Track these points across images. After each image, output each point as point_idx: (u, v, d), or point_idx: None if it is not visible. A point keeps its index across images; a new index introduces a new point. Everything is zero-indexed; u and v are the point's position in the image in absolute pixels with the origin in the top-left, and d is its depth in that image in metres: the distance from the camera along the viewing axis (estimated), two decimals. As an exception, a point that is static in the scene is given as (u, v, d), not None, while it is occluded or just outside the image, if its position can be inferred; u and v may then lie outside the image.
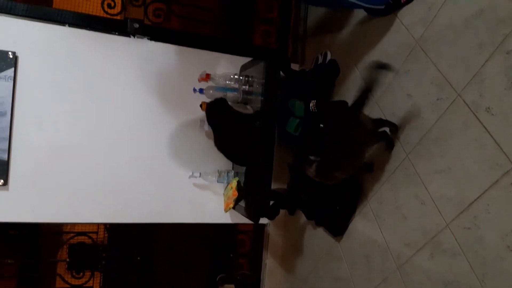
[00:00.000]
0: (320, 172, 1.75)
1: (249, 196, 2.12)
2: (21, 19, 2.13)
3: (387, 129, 1.73)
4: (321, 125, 2.05)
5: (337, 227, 2.08)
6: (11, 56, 2.04)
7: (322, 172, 1.75)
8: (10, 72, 2.04)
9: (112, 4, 2.32)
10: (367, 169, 1.86)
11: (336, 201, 2.02)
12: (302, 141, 2.23)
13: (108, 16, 2.32)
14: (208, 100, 2.29)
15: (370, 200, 1.88)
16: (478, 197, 1.32)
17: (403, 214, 1.66)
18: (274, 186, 2.10)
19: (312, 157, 1.81)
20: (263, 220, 2.57)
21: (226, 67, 2.46)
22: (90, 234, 2.56)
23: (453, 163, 1.44)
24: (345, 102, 2.09)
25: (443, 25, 1.57)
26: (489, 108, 1.32)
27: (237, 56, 2.49)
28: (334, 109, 2.10)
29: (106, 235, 2.74)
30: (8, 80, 2.04)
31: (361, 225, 1.94)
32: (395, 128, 1.72)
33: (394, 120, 1.73)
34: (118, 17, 2.34)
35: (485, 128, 1.32)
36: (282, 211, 2.25)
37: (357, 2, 1.83)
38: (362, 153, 1.72)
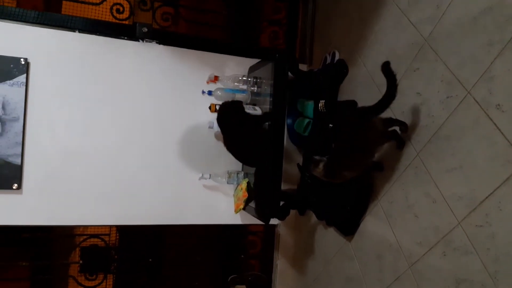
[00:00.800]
0: (328, 172, 1.76)
1: (259, 197, 2.13)
2: (32, 26, 2.16)
3: (397, 128, 1.73)
4: (330, 125, 2.05)
5: (348, 227, 2.08)
6: (23, 62, 2.07)
7: (330, 171, 1.76)
8: (22, 78, 2.08)
9: (121, 9, 2.35)
10: (377, 168, 1.86)
11: (346, 201, 2.02)
12: (311, 141, 2.24)
13: (117, 21, 2.35)
14: (216, 102, 2.31)
15: (381, 199, 1.87)
16: (489, 195, 1.32)
17: (415, 213, 1.65)
18: (284, 186, 2.11)
19: (316, 157, 1.81)
20: (274, 221, 2.58)
21: (234, 69, 2.48)
22: (102, 236, 2.58)
23: (464, 161, 1.44)
24: (354, 102, 2.09)
25: (452, 23, 1.56)
26: (499, 105, 1.31)
27: (245, 58, 2.50)
28: (343, 109, 2.11)
29: (118, 237, 2.77)
30: (20, 86, 2.07)
31: (372, 224, 1.94)
32: (405, 127, 1.71)
33: (403, 118, 1.73)
34: (127, 22, 2.36)
35: (496, 126, 1.31)
36: (292, 211, 2.25)
37: None
38: (371, 152, 1.72)
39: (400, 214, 1.74)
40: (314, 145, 2.21)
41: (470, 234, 1.38)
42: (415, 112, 1.70)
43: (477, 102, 1.40)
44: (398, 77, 1.82)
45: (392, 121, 1.72)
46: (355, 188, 1.95)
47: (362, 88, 2.11)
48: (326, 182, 1.81)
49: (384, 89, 1.90)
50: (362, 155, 1.72)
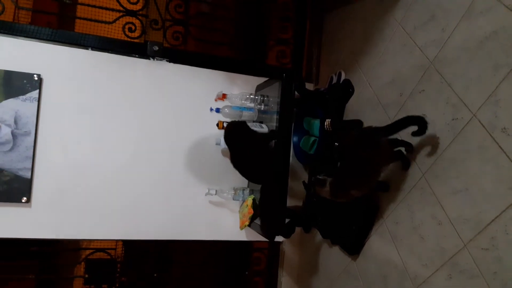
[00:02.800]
0: (333, 190, 1.77)
1: (265, 214, 2.13)
2: (46, 43, 2.22)
3: (402, 149, 1.74)
4: (336, 144, 2.07)
5: (353, 246, 2.07)
6: (36, 78, 2.13)
7: (336, 190, 1.77)
8: (35, 93, 2.12)
9: (133, 28, 2.40)
10: (383, 188, 1.87)
11: (352, 220, 2.02)
12: (317, 159, 2.25)
13: (129, 39, 2.41)
14: (224, 119, 2.35)
15: (386, 220, 1.87)
16: (495, 218, 1.32)
17: (420, 234, 1.65)
18: (289, 203, 2.12)
19: (320, 176, 1.83)
20: (279, 238, 2.58)
21: (242, 87, 2.51)
22: (109, 251, 2.59)
23: (469, 183, 1.44)
24: (360, 122, 2.11)
25: (457, 47, 1.59)
26: (505, 128, 1.32)
27: (253, 76, 2.54)
28: (349, 128, 2.13)
29: (124, 251, 2.77)
30: (32, 101, 2.12)
31: (377, 244, 1.94)
32: (411, 148, 1.73)
33: (409, 139, 1.74)
34: (139, 40, 2.42)
35: (501, 149, 1.32)
36: (297, 229, 2.26)
37: None
38: (377, 172, 1.73)
39: (405, 235, 1.74)
40: (319, 163, 2.23)
41: (476, 257, 1.38)
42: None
43: (482, 125, 1.41)
44: (403, 98, 1.86)
45: (397, 142, 1.73)
46: (361, 207, 1.96)
47: (368, 108, 2.13)
48: (332, 200, 1.82)
49: (390, 110, 1.93)
50: (368, 175, 1.73)
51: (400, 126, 1.67)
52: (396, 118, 1.86)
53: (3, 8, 2.24)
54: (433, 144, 1.64)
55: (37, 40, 2.22)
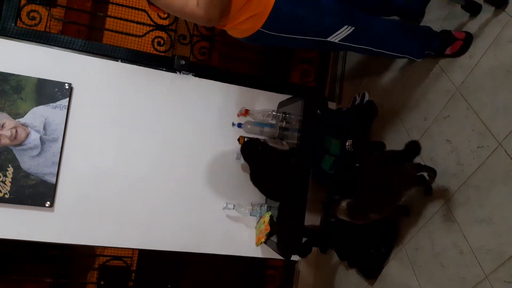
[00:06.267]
0: (352, 212, 1.76)
1: (282, 231, 2.13)
2: (78, 53, 2.30)
3: (425, 174, 1.72)
4: (357, 165, 2.06)
5: (371, 270, 2.04)
6: (67, 87, 2.20)
7: (354, 212, 1.76)
8: (65, 101, 2.19)
9: (162, 42, 2.47)
10: (403, 212, 1.85)
11: (370, 243, 2.00)
12: (336, 180, 2.24)
13: (157, 52, 2.47)
14: (245, 134, 2.37)
15: (406, 245, 1.84)
16: (520, 251, 1.29)
17: (441, 262, 1.62)
18: (307, 222, 2.10)
19: (337, 197, 1.82)
20: (295, 257, 2.56)
21: (264, 104, 2.54)
22: (125, 259, 2.62)
23: (493, 213, 1.42)
24: (382, 144, 2.10)
25: (484, 74, 1.58)
26: (532, 159, 1.30)
27: (276, 93, 2.57)
28: (371, 150, 2.12)
29: (138, 260, 2.80)
30: (62, 109, 2.19)
31: (396, 270, 1.90)
32: (434, 174, 1.71)
33: (432, 164, 1.73)
34: (166, 54, 2.48)
35: (528, 180, 1.30)
36: (314, 249, 2.24)
37: (393, 53, 1.86)
38: (397, 196, 1.72)
39: (425, 262, 1.71)
40: (339, 184, 2.22)
41: (498, 290, 1.35)
42: (445, 159, 1.70)
43: (508, 155, 1.39)
44: (428, 122, 1.84)
45: (420, 167, 1.72)
46: (380, 231, 1.93)
47: (391, 130, 2.12)
48: (350, 222, 1.80)
49: (414, 134, 1.92)
50: (388, 198, 1.71)
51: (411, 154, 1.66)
52: (420, 142, 1.85)
53: (40, 19, 2.34)
54: (457, 171, 1.62)
55: (70, 50, 2.31)
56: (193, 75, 2.44)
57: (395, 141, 2.06)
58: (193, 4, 1.42)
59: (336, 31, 1.66)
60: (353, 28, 1.66)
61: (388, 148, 2.10)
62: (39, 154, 2.13)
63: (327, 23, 1.64)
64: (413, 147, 1.73)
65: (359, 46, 1.75)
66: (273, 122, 2.40)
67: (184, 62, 2.41)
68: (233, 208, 2.39)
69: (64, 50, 2.30)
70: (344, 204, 1.77)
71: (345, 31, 1.66)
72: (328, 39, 1.68)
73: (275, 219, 2.25)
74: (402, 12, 2.04)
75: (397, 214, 1.87)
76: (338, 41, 1.69)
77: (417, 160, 1.72)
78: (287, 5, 1.55)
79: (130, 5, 2.51)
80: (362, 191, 1.78)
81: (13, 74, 2.12)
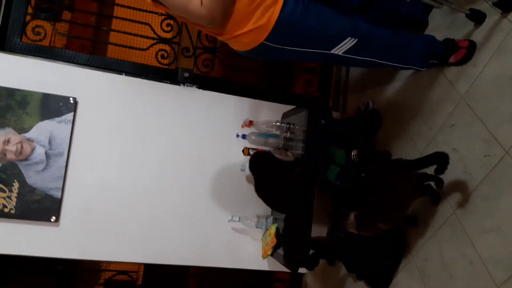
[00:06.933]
0: (359, 223, 1.74)
1: (288, 243, 2.11)
2: (83, 67, 2.32)
3: (432, 183, 1.71)
4: (363, 175, 2.05)
5: (379, 282, 2.01)
6: (71, 101, 2.20)
7: (362, 223, 1.74)
8: (70, 115, 2.20)
9: (165, 55, 2.49)
10: (411, 222, 1.82)
11: (378, 255, 1.97)
12: (342, 190, 2.22)
13: (161, 65, 2.49)
14: (250, 145, 2.37)
15: (414, 256, 1.82)
16: (532, 261, 1.27)
17: (450, 273, 1.59)
18: (313, 234, 2.09)
19: (343, 210, 1.81)
20: (302, 270, 2.53)
21: (268, 114, 2.54)
22: (131, 274, 2.60)
23: (502, 222, 1.40)
24: (388, 153, 2.09)
25: (489, 82, 1.58)
26: (541, 168, 1.29)
27: (279, 104, 2.57)
28: (377, 160, 2.10)
29: (143, 274, 2.78)
30: (67, 123, 2.19)
31: (405, 282, 1.88)
32: (441, 183, 1.69)
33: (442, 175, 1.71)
34: (170, 67, 2.49)
35: (538, 189, 1.28)
36: (321, 261, 2.21)
37: (397, 64, 1.86)
38: (404, 205, 1.70)
39: (434, 273, 1.68)
40: (345, 194, 2.20)
41: (510, 301, 1.32)
42: (451, 168, 1.67)
43: (516, 163, 1.37)
44: (433, 131, 1.83)
45: (427, 176, 1.70)
46: (389, 242, 1.91)
47: (396, 139, 2.11)
48: (358, 234, 1.78)
49: (419, 143, 1.91)
50: (395, 208, 1.69)
51: (429, 162, 1.64)
52: (426, 151, 1.84)
53: (45, 34, 2.36)
54: (465, 180, 1.60)
55: (74, 64, 2.32)
56: (196, 87, 2.45)
57: (400, 150, 2.05)
58: (197, 2, 1.41)
59: (340, 43, 1.66)
60: (356, 39, 1.66)
61: (394, 157, 2.09)
62: (45, 168, 2.13)
63: (330, 34, 1.64)
64: (442, 159, 1.63)
65: (363, 58, 1.75)
66: (278, 132, 2.40)
67: (187, 75, 2.42)
68: (239, 221, 2.37)
69: (69, 65, 2.31)
70: (352, 216, 1.75)
71: (349, 43, 1.66)
72: (332, 51, 1.68)
73: (281, 231, 2.23)
74: (406, 21, 2.04)
75: (404, 223, 1.85)
76: (342, 53, 1.69)
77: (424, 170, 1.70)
78: (291, 18, 1.55)
79: (134, 19, 2.53)
80: (369, 201, 1.77)
81: (18, 89, 2.13)
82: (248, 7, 1.51)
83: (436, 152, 1.64)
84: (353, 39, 1.65)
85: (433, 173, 1.69)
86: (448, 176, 1.68)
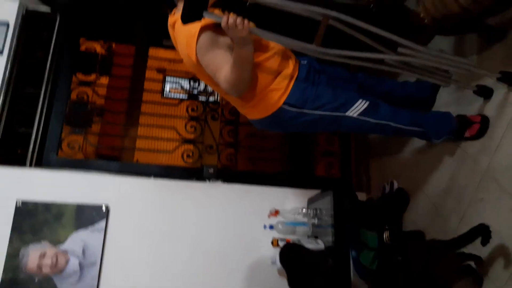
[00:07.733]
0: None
1: None
2: (113, 175, 2.45)
3: (471, 263, 1.63)
4: (399, 258, 1.97)
5: None
6: (104, 210, 2.29)
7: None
8: (102, 223, 2.27)
9: (191, 154, 2.63)
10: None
11: None
12: (379, 275, 2.13)
13: (187, 164, 2.61)
14: (278, 236, 2.35)
15: None
16: None
17: None
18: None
19: None
20: None
21: (294, 201, 2.55)
22: None
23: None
24: (421, 233, 2.04)
25: (509, 154, 1.57)
26: None
27: (304, 190, 2.58)
28: (410, 241, 2.04)
29: None
30: (100, 231, 2.25)
31: None
32: (480, 261, 1.61)
33: (476, 252, 1.64)
34: (195, 166, 2.61)
35: None
36: None
37: (412, 128, 1.90)
38: (447, 289, 1.61)
39: None
40: (382, 279, 2.10)
41: None
42: (488, 244, 1.61)
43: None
44: (463, 207, 1.80)
45: (464, 256, 1.63)
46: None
47: (425, 218, 2.06)
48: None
49: (450, 220, 1.86)
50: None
51: (467, 240, 1.59)
52: (458, 228, 1.79)
53: (79, 147, 2.55)
54: (505, 255, 1.53)
55: (105, 172, 2.46)
56: (221, 181, 2.52)
57: (432, 229, 2.00)
58: (226, 73, 1.53)
59: (353, 104, 1.77)
60: (368, 102, 1.78)
61: (427, 236, 2.02)
62: (79, 280, 2.16)
63: (342, 97, 1.77)
64: (485, 230, 1.56)
65: (377, 121, 1.82)
66: (305, 220, 2.39)
67: (212, 170, 2.52)
68: (273, 317, 2.27)
69: (100, 174, 2.45)
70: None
71: (361, 105, 1.77)
72: (347, 113, 1.77)
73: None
74: (413, 100, 2.11)
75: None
76: (357, 115, 1.78)
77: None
78: (305, 82, 1.74)
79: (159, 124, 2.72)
80: (408, 286, 1.69)
81: (54, 203, 2.25)
82: (268, 78, 1.68)
83: (478, 224, 1.60)
84: (364, 101, 1.78)
85: (470, 253, 1.63)
86: (486, 253, 1.61)
